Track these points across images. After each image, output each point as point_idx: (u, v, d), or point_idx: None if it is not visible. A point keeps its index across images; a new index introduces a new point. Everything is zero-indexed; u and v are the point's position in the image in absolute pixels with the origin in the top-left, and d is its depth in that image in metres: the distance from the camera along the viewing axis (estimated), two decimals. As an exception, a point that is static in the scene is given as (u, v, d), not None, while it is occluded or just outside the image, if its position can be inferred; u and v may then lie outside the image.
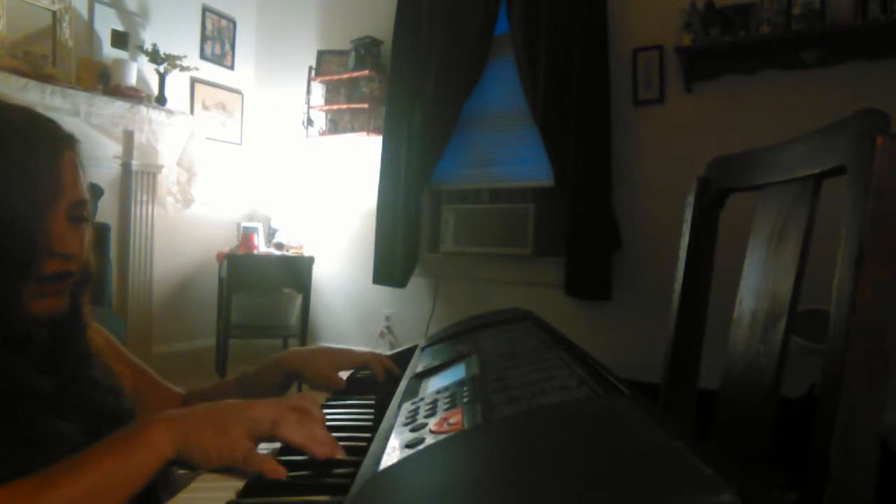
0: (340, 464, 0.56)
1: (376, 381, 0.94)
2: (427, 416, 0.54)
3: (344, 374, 0.96)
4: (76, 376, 0.66)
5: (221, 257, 3.57)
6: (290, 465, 0.54)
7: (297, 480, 0.54)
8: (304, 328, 3.64)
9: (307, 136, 3.84)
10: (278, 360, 0.91)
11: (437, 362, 0.79)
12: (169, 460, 0.53)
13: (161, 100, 3.40)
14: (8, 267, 0.57)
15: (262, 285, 3.67)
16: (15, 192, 0.58)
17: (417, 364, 0.85)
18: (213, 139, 3.88)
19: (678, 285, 0.94)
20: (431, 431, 0.49)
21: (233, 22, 4.06)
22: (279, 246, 3.76)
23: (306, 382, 0.91)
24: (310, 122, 3.83)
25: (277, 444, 0.59)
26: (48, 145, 0.62)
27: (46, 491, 0.46)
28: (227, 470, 0.55)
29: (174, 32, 3.61)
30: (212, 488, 0.53)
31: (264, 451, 0.57)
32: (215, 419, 0.55)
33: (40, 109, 0.66)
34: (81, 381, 0.66)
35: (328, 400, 0.83)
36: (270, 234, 3.89)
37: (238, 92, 4.10)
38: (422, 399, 0.62)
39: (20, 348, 0.59)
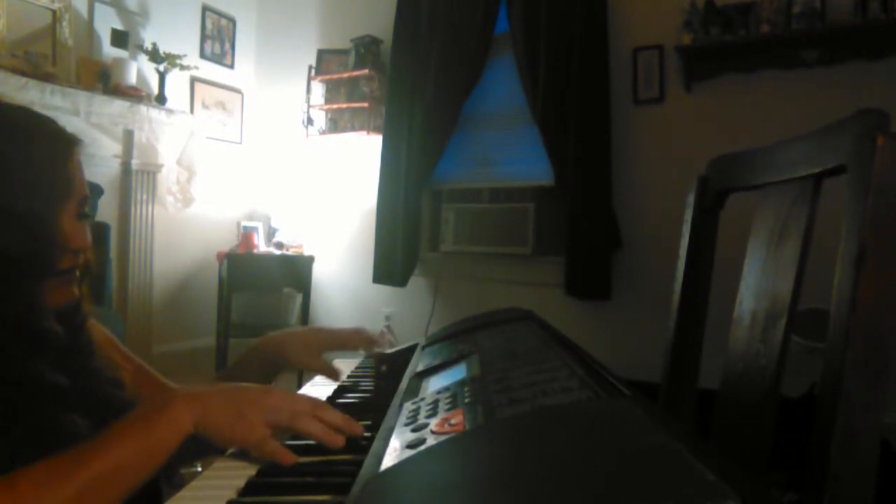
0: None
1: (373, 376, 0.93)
2: (428, 417, 0.54)
3: (340, 364, 0.95)
4: (81, 368, 0.67)
5: (221, 257, 3.57)
6: (298, 453, 0.56)
7: (298, 481, 0.54)
8: (304, 327, 3.63)
9: (307, 135, 3.84)
10: (255, 347, 0.90)
11: (437, 362, 0.79)
12: (188, 435, 0.55)
13: (161, 99, 3.40)
14: (31, 266, 0.60)
15: (262, 285, 3.67)
16: (34, 193, 0.61)
17: (418, 363, 0.85)
18: (213, 138, 3.88)
19: (678, 285, 0.94)
20: (433, 432, 0.49)
21: (233, 21, 4.06)
22: (279, 245, 3.76)
23: (287, 367, 0.89)
24: (310, 121, 3.83)
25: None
26: (60, 147, 0.65)
27: (77, 468, 0.48)
28: (241, 455, 0.58)
29: (174, 31, 3.60)
30: (212, 487, 0.53)
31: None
32: (235, 402, 0.57)
33: (39, 109, 0.68)
34: (87, 372, 0.67)
35: (328, 400, 0.83)
36: (270, 233, 3.89)
37: (238, 91, 4.10)
38: (423, 399, 0.62)
39: (39, 345, 0.60)
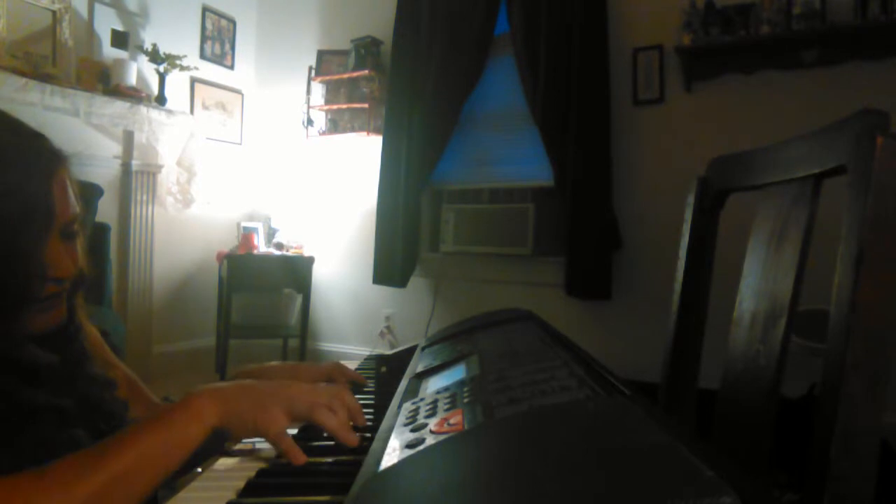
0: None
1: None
2: (427, 417, 0.54)
3: None
4: (74, 375, 0.66)
5: (221, 257, 3.57)
6: (309, 452, 0.58)
7: (297, 481, 0.54)
8: (304, 328, 3.63)
9: (307, 136, 3.84)
10: (235, 376, 0.89)
11: (437, 362, 0.79)
12: (213, 428, 0.56)
13: (161, 100, 3.40)
14: (8, 298, 0.57)
15: (262, 285, 3.67)
16: (8, 224, 0.56)
17: (418, 364, 0.85)
18: (213, 139, 3.88)
19: (678, 285, 0.94)
20: (432, 432, 0.49)
21: (233, 22, 4.06)
22: (279, 246, 3.76)
23: None
24: (310, 121, 3.83)
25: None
26: (38, 170, 0.60)
27: (103, 462, 0.49)
28: (239, 452, 0.59)
29: (174, 32, 3.61)
30: (212, 488, 0.53)
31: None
32: (257, 394, 0.59)
33: (40, 109, 0.65)
34: (80, 379, 0.67)
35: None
36: (270, 234, 3.89)
37: (238, 92, 4.10)
38: (422, 399, 0.62)
39: (32, 379, 0.59)
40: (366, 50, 3.60)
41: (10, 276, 0.57)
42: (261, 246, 3.74)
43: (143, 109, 3.23)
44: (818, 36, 2.40)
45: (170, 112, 3.40)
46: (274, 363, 0.93)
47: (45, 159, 0.62)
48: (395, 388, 0.76)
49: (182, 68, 3.46)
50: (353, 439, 0.60)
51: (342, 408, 0.62)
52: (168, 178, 3.50)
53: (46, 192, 0.60)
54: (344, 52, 3.76)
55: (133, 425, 0.53)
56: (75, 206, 0.64)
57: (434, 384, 0.69)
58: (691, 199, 0.93)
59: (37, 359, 0.60)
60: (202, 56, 3.83)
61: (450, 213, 3.39)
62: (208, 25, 3.88)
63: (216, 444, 0.58)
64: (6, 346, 0.58)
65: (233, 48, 4.07)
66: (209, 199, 3.72)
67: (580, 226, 2.84)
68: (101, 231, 2.86)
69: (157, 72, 3.40)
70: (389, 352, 1.08)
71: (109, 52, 3.26)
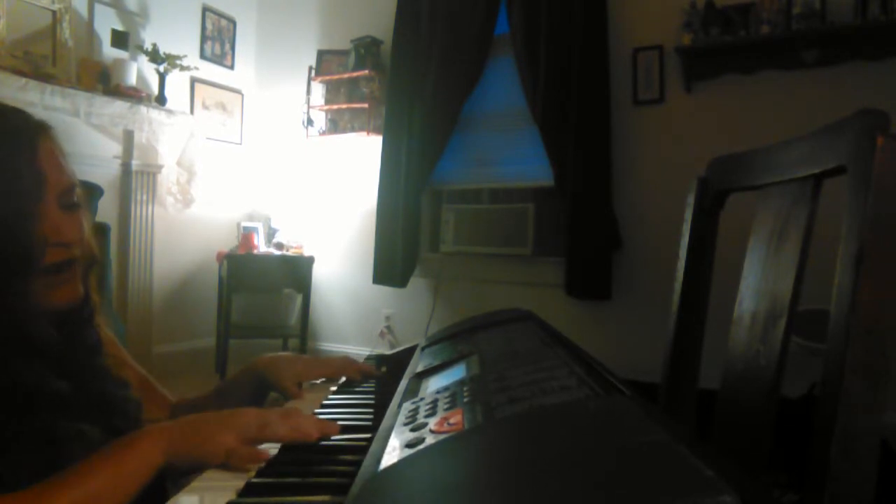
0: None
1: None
2: (427, 416, 0.54)
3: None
4: (86, 367, 0.66)
5: (221, 257, 3.57)
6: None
7: (297, 481, 0.54)
8: (304, 328, 3.63)
9: (307, 136, 3.84)
10: (250, 364, 0.90)
11: (437, 362, 0.79)
12: (160, 467, 0.56)
13: (161, 100, 3.40)
14: (9, 266, 0.57)
15: (262, 285, 3.67)
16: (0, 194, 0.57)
17: (418, 364, 0.85)
18: (213, 139, 3.88)
19: (678, 285, 0.94)
20: (432, 431, 0.49)
21: (233, 22, 4.06)
22: (279, 246, 3.76)
23: (271, 388, 0.89)
24: (310, 121, 3.83)
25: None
26: (22, 137, 0.61)
27: (47, 502, 0.48)
28: (225, 467, 0.57)
29: (174, 32, 3.61)
30: (212, 488, 0.53)
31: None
32: (202, 427, 0.59)
33: (40, 109, 0.66)
34: (92, 372, 0.66)
35: (327, 399, 0.83)
36: (270, 234, 3.89)
37: (238, 92, 4.10)
38: (422, 399, 0.62)
39: (35, 352, 0.59)
40: (366, 50, 3.61)
41: (7, 242, 0.56)
42: (261, 246, 3.74)
43: (143, 109, 3.23)
44: (818, 36, 2.40)
45: (170, 112, 3.40)
46: (286, 353, 0.93)
47: (27, 130, 0.62)
48: (395, 388, 0.76)
49: (182, 68, 3.46)
50: (310, 433, 0.60)
51: (297, 414, 0.62)
52: (168, 178, 3.50)
53: (33, 160, 0.60)
54: (344, 52, 3.76)
55: (76, 466, 0.53)
56: (70, 176, 0.64)
57: (434, 384, 0.69)
58: (691, 200, 0.93)
59: (41, 335, 0.60)
60: (202, 56, 3.83)
61: (450, 214, 3.39)
62: (208, 25, 3.88)
63: (166, 481, 0.57)
64: (13, 317, 0.57)
65: (233, 48, 4.07)
66: (210, 200, 3.72)
67: (580, 226, 2.84)
68: (101, 231, 2.86)
69: (157, 72, 3.40)
70: (389, 352, 1.08)
71: (109, 52, 3.26)
